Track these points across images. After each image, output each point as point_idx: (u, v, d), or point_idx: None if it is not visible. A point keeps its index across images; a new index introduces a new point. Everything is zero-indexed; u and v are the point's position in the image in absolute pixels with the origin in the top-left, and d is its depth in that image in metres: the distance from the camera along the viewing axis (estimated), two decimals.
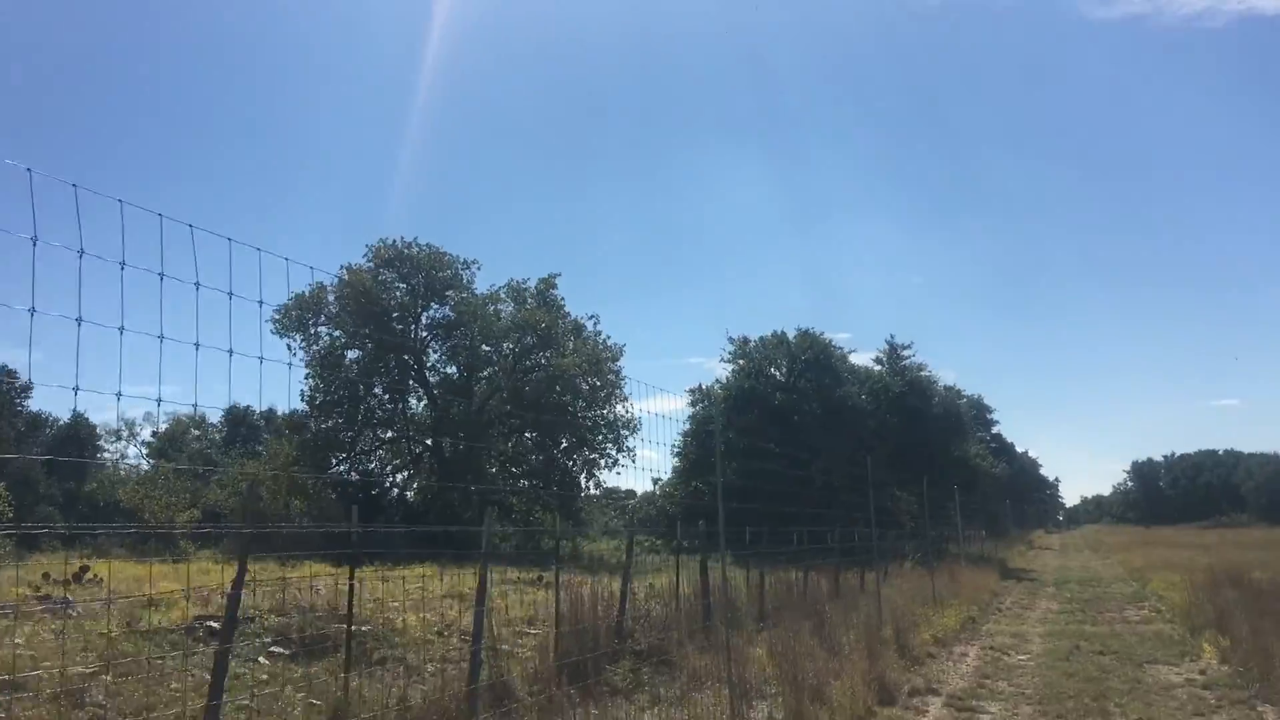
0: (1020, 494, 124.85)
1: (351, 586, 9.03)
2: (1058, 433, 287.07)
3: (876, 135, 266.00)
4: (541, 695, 9.00)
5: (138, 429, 71.17)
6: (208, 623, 11.33)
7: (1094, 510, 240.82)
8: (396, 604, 15.10)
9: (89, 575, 18.55)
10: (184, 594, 12.63)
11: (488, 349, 40.13)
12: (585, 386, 38.37)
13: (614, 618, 12.71)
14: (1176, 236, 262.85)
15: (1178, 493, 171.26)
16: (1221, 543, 57.70)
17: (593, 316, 41.82)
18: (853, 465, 43.60)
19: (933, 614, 20.67)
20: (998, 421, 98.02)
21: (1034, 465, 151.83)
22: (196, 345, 4.90)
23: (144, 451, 78.44)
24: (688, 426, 48.16)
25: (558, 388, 36.50)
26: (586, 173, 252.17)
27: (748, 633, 14.42)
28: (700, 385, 48.95)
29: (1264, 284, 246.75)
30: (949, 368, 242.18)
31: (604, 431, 39.94)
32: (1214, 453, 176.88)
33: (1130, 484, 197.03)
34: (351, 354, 39.58)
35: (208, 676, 9.32)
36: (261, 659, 10.42)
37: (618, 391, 39.53)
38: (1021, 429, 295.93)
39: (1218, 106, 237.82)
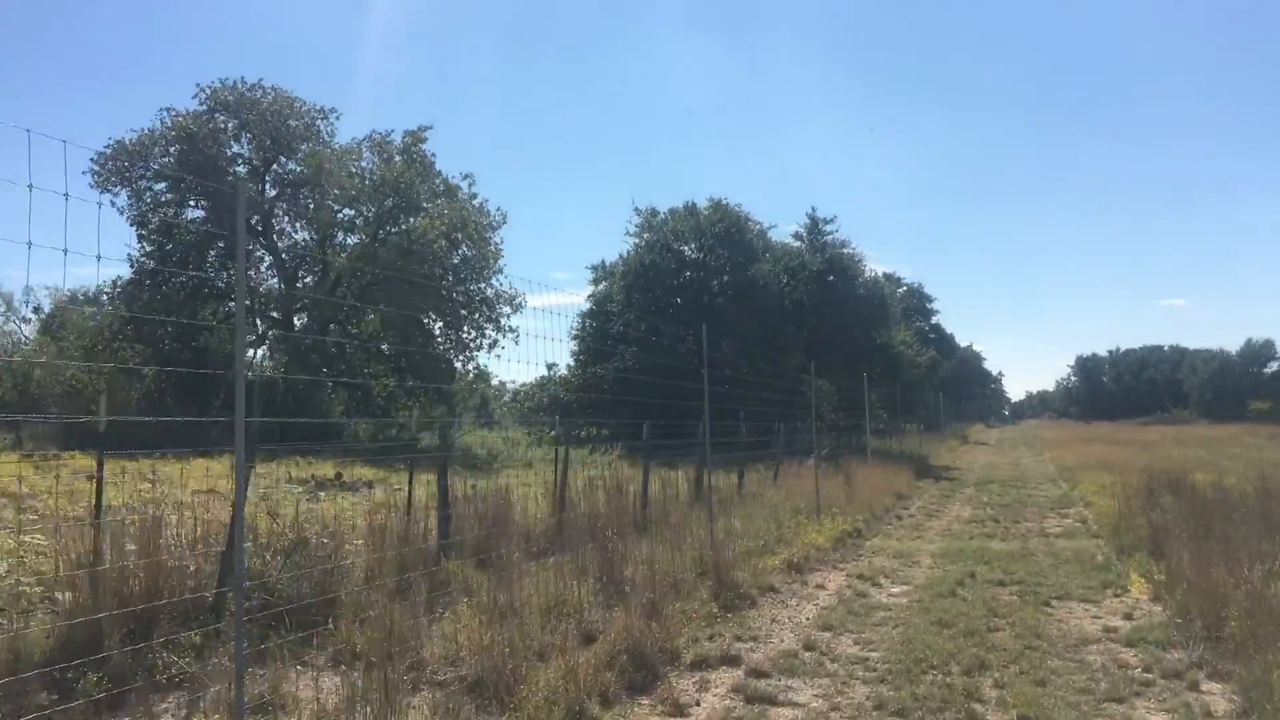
0: (961, 387, 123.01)
1: None
2: (1005, 328, 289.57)
3: (835, 22, 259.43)
4: None
5: (15, 305, 64.95)
6: None
7: (1038, 405, 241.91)
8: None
9: None
10: None
11: (350, 213, 35.26)
12: (453, 255, 33.69)
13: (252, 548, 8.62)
14: (1129, 136, 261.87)
15: (1121, 388, 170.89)
16: (1162, 440, 55.11)
17: (467, 176, 36.97)
18: (768, 350, 39.91)
19: (808, 526, 16.96)
20: (937, 311, 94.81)
21: (977, 358, 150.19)
22: None
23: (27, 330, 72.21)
24: (588, 306, 44.10)
25: (414, 253, 31.62)
26: (529, 44, 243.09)
27: (517, 569, 10.42)
28: (603, 261, 44.61)
29: (1214, 185, 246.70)
30: (901, 262, 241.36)
31: (481, 309, 35.46)
32: (1159, 348, 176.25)
33: (1074, 379, 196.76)
34: (195, 214, 34.62)
35: None
36: None
37: (496, 264, 35.12)
38: (969, 323, 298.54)
39: (1179, 8, 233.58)
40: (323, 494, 17.02)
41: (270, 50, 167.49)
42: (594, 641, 8.23)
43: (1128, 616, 10.72)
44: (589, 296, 43.92)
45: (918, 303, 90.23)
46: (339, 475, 19.52)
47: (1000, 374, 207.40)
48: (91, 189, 32.63)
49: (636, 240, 43.19)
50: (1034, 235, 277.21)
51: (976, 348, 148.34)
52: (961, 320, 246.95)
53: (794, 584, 12.60)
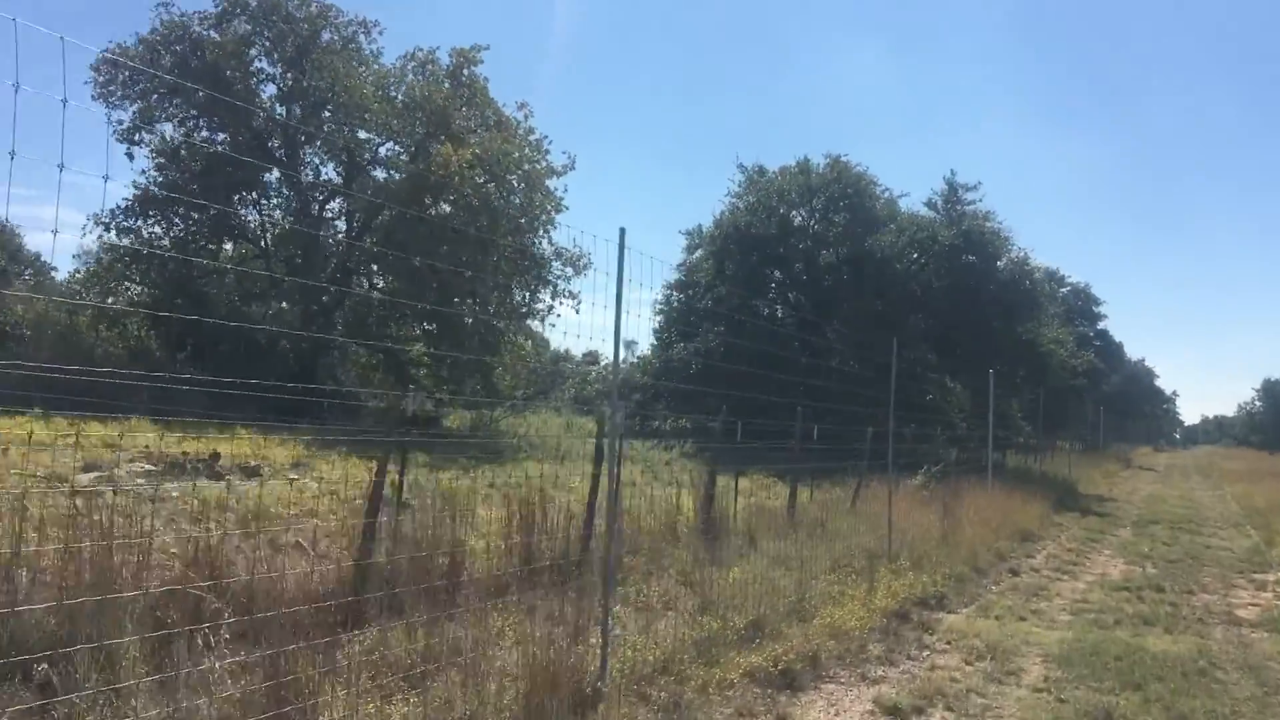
0: (1128, 404, 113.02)
1: None
2: (1182, 346, 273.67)
3: (1006, 26, 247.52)
4: None
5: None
6: None
7: (1214, 431, 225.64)
8: None
9: None
10: None
11: (391, 146, 30.35)
12: (497, 197, 28.34)
13: None
14: None
15: None
16: None
17: (523, 106, 31.63)
18: (881, 336, 33.76)
19: (854, 588, 11.23)
20: (1105, 316, 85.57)
21: (1149, 374, 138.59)
22: None
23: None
24: (677, 277, 38.61)
25: (436, 187, 26.41)
26: (693, 36, 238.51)
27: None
28: (699, 226, 38.89)
29: None
30: (1072, 269, 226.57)
31: (532, 267, 30.14)
32: None
33: (1258, 403, 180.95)
34: (209, 137, 30.35)
35: None
36: None
37: (553, 215, 29.83)
38: (1142, 339, 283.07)
39: None
40: (141, 483, 11.94)
41: None
42: None
43: None
44: (678, 266, 38.43)
45: (1083, 305, 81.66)
46: (215, 455, 14.57)
47: (1174, 393, 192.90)
48: (95, 101, 28.74)
49: (736, 202, 37.38)
50: (1220, 249, 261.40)
51: (1148, 364, 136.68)
52: (1134, 334, 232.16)
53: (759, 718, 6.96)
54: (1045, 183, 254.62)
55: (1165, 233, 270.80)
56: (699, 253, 38.67)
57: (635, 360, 39.64)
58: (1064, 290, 79.91)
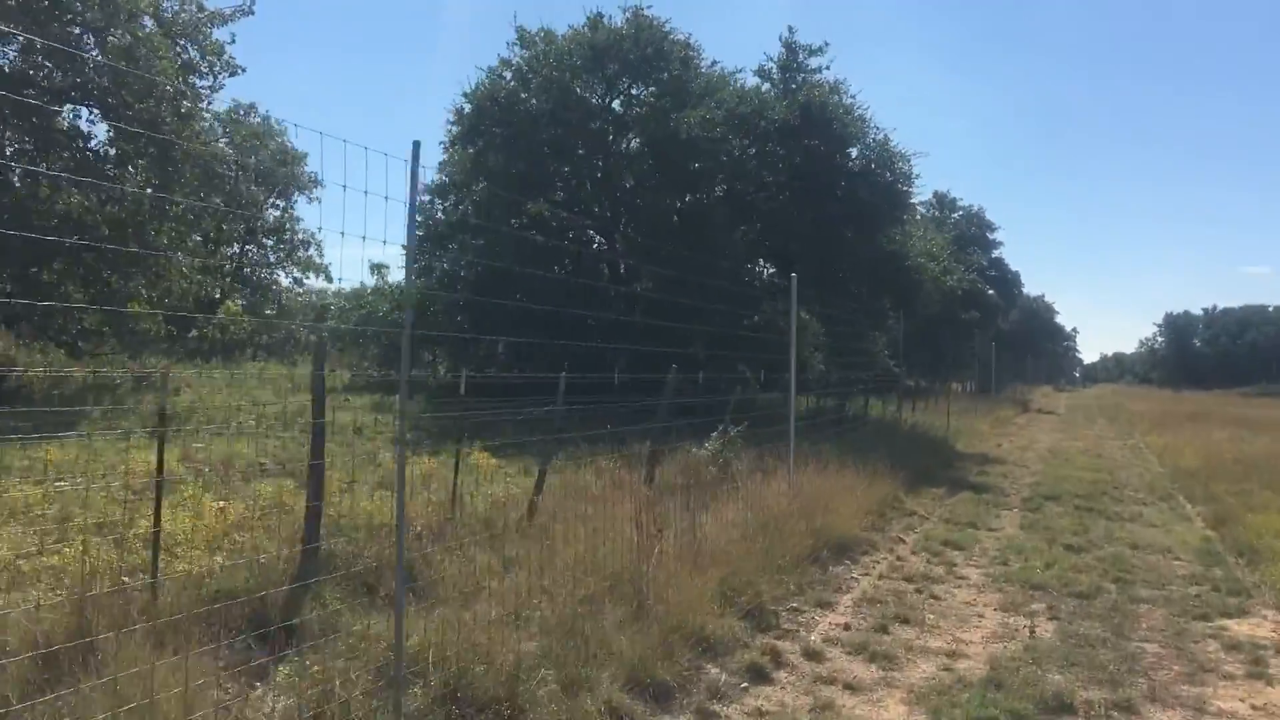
0: (1027, 341, 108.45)
1: None
2: (1079, 286, 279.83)
3: None
4: None
5: None
6: None
7: (1114, 368, 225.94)
8: None
9: None
10: None
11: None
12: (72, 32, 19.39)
13: None
14: (1216, 97, 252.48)
15: (1216, 352, 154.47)
16: None
17: None
18: (690, 249, 26.01)
19: None
20: (1000, 243, 79.41)
21: (1048, 310, 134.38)
22: None
23: None
24: (439, 179, 30.13)
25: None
26: None
27: None
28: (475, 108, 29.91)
29: None
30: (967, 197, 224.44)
31: (159, 147, 20.95)
32: (1263, 309, 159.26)
33: (1160, 339, 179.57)
34: None
35: None
36: None
37: (216, 80, 21.10)
38: (1041, 278, 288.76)
39: None
40: None
41: None
42: None
43: None
44: (441, 163, 29.88)
45: (976, 231, 75.38)
46: None
47: (1075, 330, 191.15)
48: None
49: (503, 71, 28.61)
50: (1114, 194, 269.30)
51: (1048, 300, 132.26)
52: (1032, 272, 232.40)
53: None
54: (943, 125, 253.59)
55: (1060, 172, 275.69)
56: (470, 149, 30.05)
57: (383, 289, 31.37)
58: (955, 215, 74.05)
